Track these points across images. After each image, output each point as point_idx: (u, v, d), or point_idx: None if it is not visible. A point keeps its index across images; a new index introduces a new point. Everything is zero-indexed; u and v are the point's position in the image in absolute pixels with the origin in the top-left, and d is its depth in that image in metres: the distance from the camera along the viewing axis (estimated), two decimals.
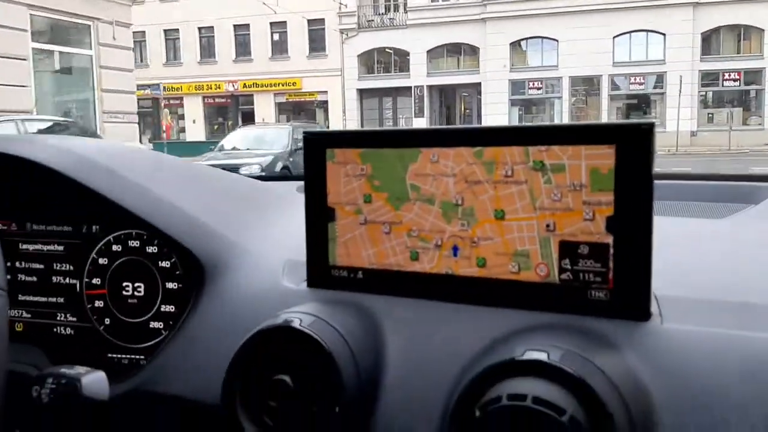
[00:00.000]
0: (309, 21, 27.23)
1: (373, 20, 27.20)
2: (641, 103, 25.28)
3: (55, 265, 0.79)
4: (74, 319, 0.78)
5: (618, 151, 0.51)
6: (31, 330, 0.78)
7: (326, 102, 27.71)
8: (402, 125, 25.91)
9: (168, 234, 0.70)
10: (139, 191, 0.73)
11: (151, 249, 0.74)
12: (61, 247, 0.79)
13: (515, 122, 23.37)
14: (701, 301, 0.53)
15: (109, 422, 0.68)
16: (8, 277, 0.71)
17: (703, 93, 22.84)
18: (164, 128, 26.80)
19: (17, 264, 0.80)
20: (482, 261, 0.57)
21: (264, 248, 0.73)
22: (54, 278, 0.79)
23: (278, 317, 0.57)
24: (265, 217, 0.82)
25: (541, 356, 0.47)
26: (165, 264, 0.74)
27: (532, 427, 0.44)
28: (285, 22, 26.03)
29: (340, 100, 28.83)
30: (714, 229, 0.76)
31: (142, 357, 0.73)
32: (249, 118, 28.46)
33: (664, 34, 23.17)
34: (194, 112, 29.43)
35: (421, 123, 28.46)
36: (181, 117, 29.13)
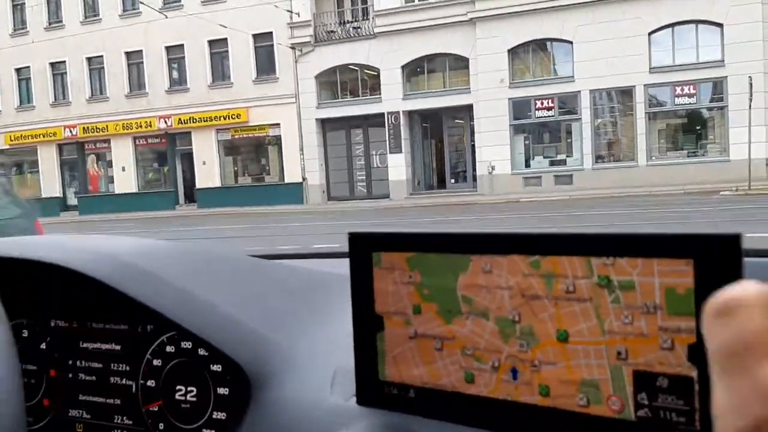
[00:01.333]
0: (254, 36, 24.43)
1: (334, 31, 24.45)
2: (693, 122, 20.85)
3: (112, 365, 0.83)
4: (130, 422, 0.81)
5: (697, 267, 0.48)
6: (89, 430, 0.81)
7: (280, 137, 24.46)
8: (376, 164, 23.35)
9: (210, 342, 0.72)
10: (178, 296, 0.75)
11: (202, 352, 0.75)
12: (118, 347, 0.82)
13: (521, 154, 21.13)
14: None
15: None
16: (70, 375, 0.83)
17: None
18: (90, 178, 24.11)
19: (78, 363, 0.85)
20: (545, 389, 0.55)
21: (312, 354, 0.75)
22: (112, 379, 0.82)
23: None
24: (313, 318, 0.81)
25: None
26: (216, 368, 0.76)
27: None
28: (225, 39, 23.70)
29: (296, 133, 25.36)
30: None
31: None
32: (188, 161, 25.58)
33: (721, 25, 18.99)
34: (123, 156, 27.04)
35: (398, 160, 24.98)
36: (110, 164, 26.61)
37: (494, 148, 19.75)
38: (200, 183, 23.37)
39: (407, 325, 0.62)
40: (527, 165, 20.25)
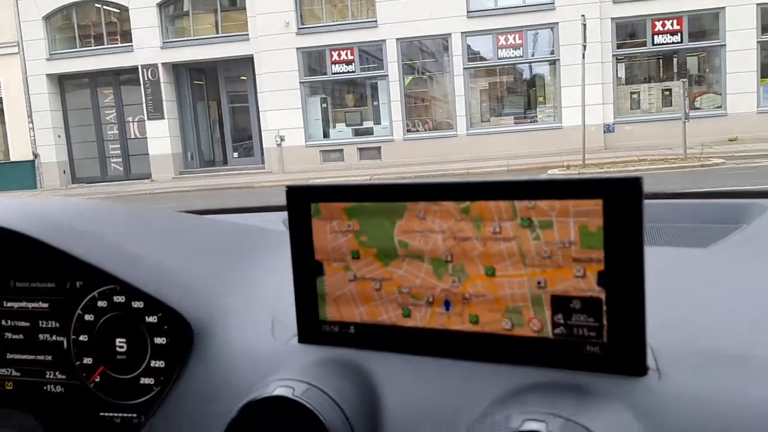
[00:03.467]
0: None
1: None
2: (520, 80, 17.49)
3: (41, 322, 0.87)
4: (63, 376, 0.86)
5: (605, 207, 0.60)
6: (21, 388, 0.87)
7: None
8: (134, 134, 18.42)
9: (148, 292, 0.80)
10: (114, 250, 0.83)
11: (136, 304, 0.83)
12: (45, 305, 0.87)
13: (317, 120, 17.28)
14: (699, 353, 0.62)
15: None
16: None
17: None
18: None
19: (2, 322, 0.88)
20: (475, 318, 0.68)
21: (252, 301, 0.84)
22: (41, 336, 0.87)
23: (269, 385, 0.67)
24: (253, 265, 0.91)
25: (540, 428, 0.54)
26: (152, 319, 0.82)
27: None
28: None
29: (22, 95, 18.67)
30: (703, 259, 0.86)
31: (134, 415, 0.82)
32: None
33: None
34: None
35: (160, 129, 18.56)
36: None
37: (283, 112, 16.95)
38: None
39: (347, 270, 0.72)
40: (326, 135, 17.75)
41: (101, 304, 0.84)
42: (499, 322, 0.66)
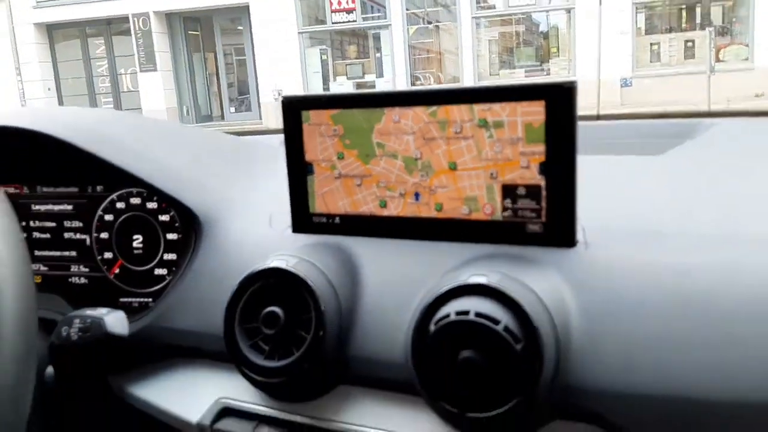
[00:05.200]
0: None
1: None
2: (533, 30, 16.44)
3: (65, 222, 1.01)
4: (87, 269, 1.00)
5: (547, 108, 0.73)
6: (48, 282, 1.02)
7: None
8: (127, 87, 17.89)
9: (163, 191, 0.92)
10: (133, 153, 0.94)
11: (151, 205, 0.97)
12: (70, 207, 1.00)
13: (317, 73, 16.66)
14: (621, 230, 0.76)
15: (127, 356, 0.94)
16: (24, 235, 0.94)
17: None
18: None
19: (31, 223, 1.02)
20: (439, 206, 0.81)
21: (252, 200, 0.97)
22: (66, 234, 1.01)
23: (268, 259, 0.80)
24: (252, 171, 1.04)
25: (482, 280, 0.67)
26: (164, 218, 0.96)
27: (475, 336, 0.64)
28: None
29: (8, 45, 18.28)
30: (646, 164, 0.99)
31: (150, 300, 0.97)
32: None
33: None
34: None
35: (153, 81, 18.08)
36: None
37: (281, 64, 16.06)
38: None
39: (333, 169, 0.86)
40: (327, 88, 16.98)
41: (120, 205, 1.00)
42: (459, 209, 0.80)
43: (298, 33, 16.09)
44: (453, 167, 0.78)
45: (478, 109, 0.75)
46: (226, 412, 0.84)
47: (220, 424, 0.82)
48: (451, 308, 0.66)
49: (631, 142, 1.19)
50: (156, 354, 0.94)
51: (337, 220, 0.86)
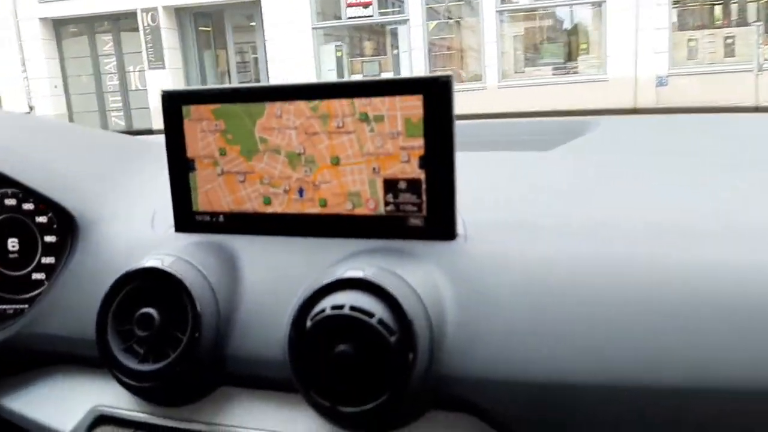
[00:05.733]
0: None
1: None
2: (560, 25, 15.53)
3: None
4: None
5: (425, 102, 0.74)
6: None
7: None
8: (135, 85, 17.19)
9: (37, 191, 0.90)
10: (7, 151, 0.93)
11: (27, 206, 0.93)
12: None
13: (331, 71, 15.96)
14: (502, 223, 0.77)
15: None
16: None
17: None
18: None
19: None
20: (324, 201, 0.80)
21: (137, 201, 0.95)
22: None
23: (143, 259, 0.79)
24: (140, 171, 1.02)
25: (359, 274, 0.67)
26: (42, 219, 0.93)
27: (351, 330, 0.65)
28: None
29: (14, 41, 17.49)
30: (531, 160, 0.99)
31: (26, 306, 0.93)
32: None
33: None
34: None
35: (161, 79, 16.93)
36: None
37: (293, 62, 15.29)
38: None
39: (215, 165, 0.84)
40: None
41: None
42: (343, 204, 0.79)
43: (312, 29, 15.69)
44: (336, 162, 0.78)
45: (359, 103, 0.76)
46: (102, 420, 0.82)
47: None
48: (327, 303, 0.67)
49: (520, 139, 1.22)
50: (29, 362, 0.92)
51: (221, 218, 0.85)
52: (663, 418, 0.59)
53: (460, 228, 0.76)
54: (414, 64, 15.48)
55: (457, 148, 0.74)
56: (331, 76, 16.31)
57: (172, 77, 16.80)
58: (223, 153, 0.82)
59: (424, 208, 0.76)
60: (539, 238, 0.73)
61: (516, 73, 15.89)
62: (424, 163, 0.74)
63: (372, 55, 16.64)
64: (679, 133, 1.14)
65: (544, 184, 0.87)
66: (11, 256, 0.93)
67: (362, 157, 0.76)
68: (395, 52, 16.14)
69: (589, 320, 0.63)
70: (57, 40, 17.60)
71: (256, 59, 17.29)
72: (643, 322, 0.62)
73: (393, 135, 0.75)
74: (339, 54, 16.19)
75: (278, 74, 16.05)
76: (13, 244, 0.92)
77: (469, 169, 0.78)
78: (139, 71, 17.33)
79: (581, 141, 1.06)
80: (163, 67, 16.73)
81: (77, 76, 17.90)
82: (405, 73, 15.97)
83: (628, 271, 0.66)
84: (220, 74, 18.27)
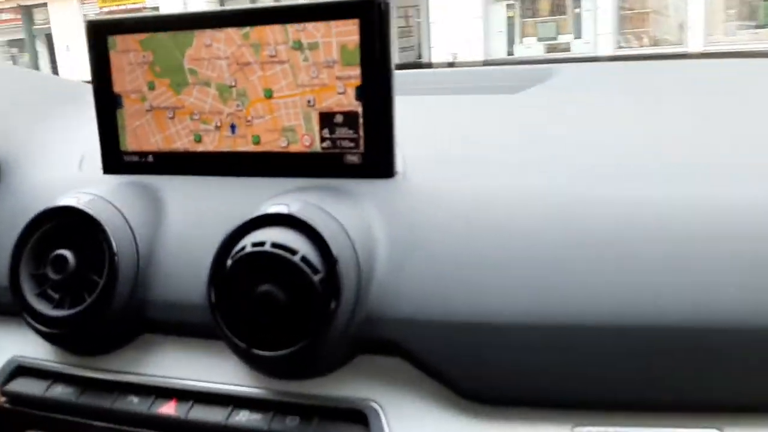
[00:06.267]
0: None
1: None
2: None
3: None
4: None
5: (361, 27, 0.69)
6: None
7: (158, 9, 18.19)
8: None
9: None
10: None
11: None
12: None
13: (501, 32, 14.94)
14: (443, 160, 0.74)
15: None
16: None
17: None
18: None
19: None
20: (257, 138, 0.75)
21: (64, 143, 0.90)
22: None
23: (60, 199, 0.75)
24: (68, 113, 0.97)
25: (282, 209, 0.64)
26: None
27: (274, 269, 0.60)
28: None
29: None
30: (490, 102, 0.95)
31: None
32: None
33: None
34: None
35: None
36: None
37: (459, 23, 14.43)
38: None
39: (143, 101, 0.78)
40: (510, 51, 15.18)
41: None
42: (277, 141, 0.74)
43: None
44: (269, 95, 0.73)
45: (292, 30, 0.72)
46: (20, 371, 0.77)
47: (12, 385, 0.76)
48: (248, 240, 0.63)
49: (485, 85, 1.16)
50: None
51: (150, 158, 0.80)
52: (592, 360, 0.58)
53: (399, 165, 0.73)
54: (599, 27, 14.76)
55: (416, 93, 0.75)
56: (499, 39, 15.97)
57: None
58: (151, 87, 0.77)
59: (361, 144, 0.72)
60: (484, 174, 0.70)
61: (726, 35, 14.41)
62: (361, 94, 0.70)
63: (549, 15, 15.77)
64: (639, 76, 1.12)
65: (498, 124, 0.84)
66: None
67: (297, 89, 0.72)
68: (577, 10, 15.26)
69: (523, 259, 0.62)
70: None
71: (419, 23, 17.26)
72: (578, 260, 0.60)
73: (328, 64, 0.71)
74: (510, 14, 15.77)
75: (441, 38, 15.71)
76: None
77: (422, 110, 0.81)
78: None
79: (544, 86, 1.02)
80: None
81: None
82: (588, 34, 15.06)
83: (565, 209, 0.64)
84: None
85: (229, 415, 0.64)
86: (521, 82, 1.00)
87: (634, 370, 0.57)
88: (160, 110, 0.77)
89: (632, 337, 0.57)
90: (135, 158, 0.79)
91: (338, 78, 0.70)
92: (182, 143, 0.77)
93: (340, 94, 0.70)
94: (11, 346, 0.77)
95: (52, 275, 0.69)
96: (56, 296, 0.71)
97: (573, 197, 0.64)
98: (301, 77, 0.71)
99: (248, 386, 0.67)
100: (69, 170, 0.84)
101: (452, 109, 0.88)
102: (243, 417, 0.64)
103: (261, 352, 0.61)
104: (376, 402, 0.63)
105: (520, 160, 0.72)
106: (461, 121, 0.85)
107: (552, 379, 0.59)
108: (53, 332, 0.70)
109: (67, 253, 0.69)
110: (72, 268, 0.68)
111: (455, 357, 0.61)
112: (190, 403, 0.67)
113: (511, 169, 0.70)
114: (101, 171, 0.82)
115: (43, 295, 0.71)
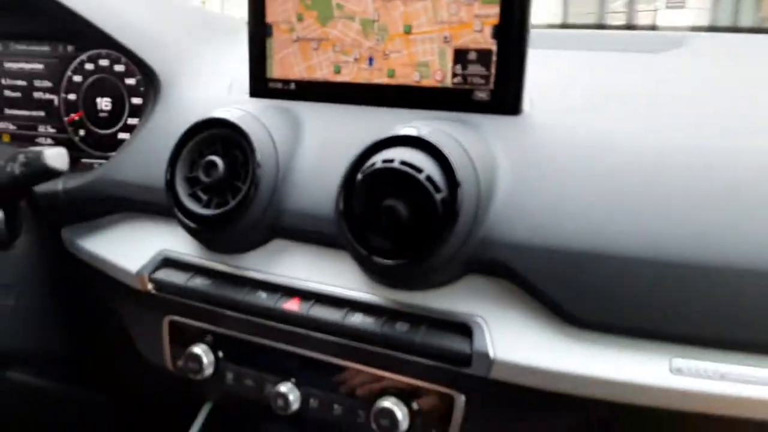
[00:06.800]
0: None
1: None
2: None
3: (35, 82, 1.02)
4: (53, 131, 1.01)
5: None
6: (17, 140, 1.04)
7: None
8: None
9: (126, 46, 0.93)
10: (105, 11, 0.95)
11: (118, 68, 0.97)
12: (41, 66, 1.01)
13: None
14: (573, 106, 0.76)
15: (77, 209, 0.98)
16: None
17: None
18: None
19: (2, 81, 1.04)
20: (392, 72, 0.79)
21: (216, 67, 0.97)
22: (35, 94, 1.02)
23: (214, 112, 0.81)
24: (217, 43, 1.04)
25: (412, 131, 0.68)
26: (131, 81, 0.96)
27: (399, 184, 0.65)
28: None
29: None
30: (628, 60, 0.95)
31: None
32: None
33: None
34: None
35: (680, 20, 12.46)
36: None
37: None
38: None
39: (291, 31, 0.84)
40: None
41: (88, 66, 0.99)
42: (411, 75, 0.77)
43: None
44: (408, 30, 0.77)
45: None
46: (166, 263, 0.86)
47: (158, 274, 0.83)
48: (379, 157, 0.67)
49: (619, 46, 1.15)
50: (105, 207, 0.98)
51: (293, 86, 0.84)
52: (697, 297, 0.59)
53: (526, 105, 0.76)
54: None
55: (553, 48, 0.76)
56: None
57: (693, 18, 14.00)
58: (300, 18, 0.82)
59: (492, 81, 0.74)
60: (609, 121, 0.71)
61: None
62: (497, 32, 0.73)
63: None
64: None
65: (628, 81, 0.83)
66: (101, 115, 0.98)
67: (435, 25, 0.75)
68: None
69: (639, 201, 0.63)
70: None
71: None
72: (694, 204, 0.61)
73: (468, 1, 0.73)
74: None
75: None
76: (106, 104, 0.97)
77: (556, 63, 0.82)
78: (651, 11, 15.08)
79: (682, 51, 0.99)
80: (683, 7, 14.08)
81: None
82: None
83: (684, 159, 0.65)
84: (760, 20, 14.45)
85: (345, 315, 0.69)
86: (655, 47, 0.98)
87: (739, 309, 0.57)
88: (306, 41, 0.81)
89: (740, 278, 0.57)
90: (279, 85, 0.84)
91: (476, 16, 0.72)
92: (323, 73, 0.81)
93: (476, 31, 0.72)
94: (160, 240, 0.84)
95: (203, 178, 0.76)
96: (205, 198, 0.77)
97: (695, 150, 0.64)
98: (440, 14, 0.74)
99: (364, 292, 0.72)
100: (221, 92, 0.91)
101: (586, 64, 0.88)
102: (357, 319, 0.68)
103: (379, 260, 0.65)
104: (481, 317, 0.66)
105: (645, 113, 0.72)
106: (592, 74, 0.86)
107: (654, 311, 0.60)
108: (199, 228, 0.76)
109: (217, 160, 0.75)
110: (221, 174, 0.75)
111: (563, 281, 0.62)
112: (312, 302, 0.72)
113: (635, 120, 0.71)
114: (247, 95, 0.88)
115: (193, 196, 0.77)
